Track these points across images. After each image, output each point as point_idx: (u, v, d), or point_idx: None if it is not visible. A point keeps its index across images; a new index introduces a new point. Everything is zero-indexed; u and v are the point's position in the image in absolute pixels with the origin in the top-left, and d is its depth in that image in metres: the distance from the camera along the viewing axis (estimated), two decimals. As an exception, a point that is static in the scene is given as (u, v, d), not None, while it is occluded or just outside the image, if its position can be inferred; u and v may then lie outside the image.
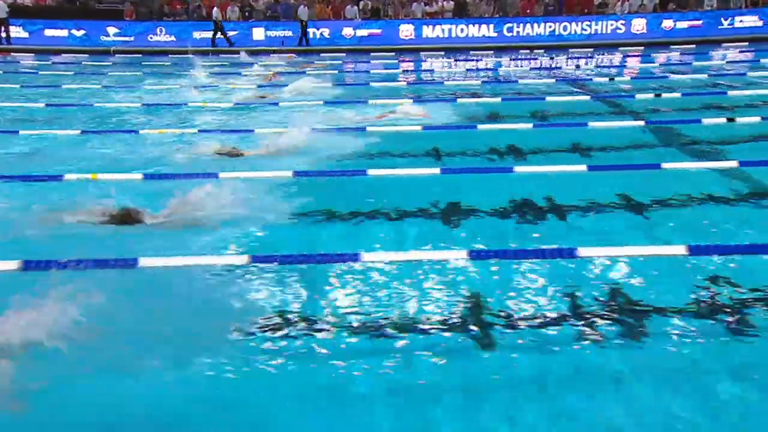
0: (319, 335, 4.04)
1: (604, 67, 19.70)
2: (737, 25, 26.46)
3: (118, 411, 3.30)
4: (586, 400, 3.39)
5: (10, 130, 10.09)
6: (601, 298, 4.41)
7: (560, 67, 19.59)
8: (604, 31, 26.58)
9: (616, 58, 22.10)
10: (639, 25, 26.68)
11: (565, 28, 26.75)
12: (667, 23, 26.68)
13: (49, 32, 27.35)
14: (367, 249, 5.17)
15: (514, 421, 3.25)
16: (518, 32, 26.82)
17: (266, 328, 4.07)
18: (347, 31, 27.22)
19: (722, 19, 26.65)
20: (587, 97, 12.90)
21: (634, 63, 21.20)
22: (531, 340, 3.96)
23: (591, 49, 24.36)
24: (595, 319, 4.15)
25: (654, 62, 20.12)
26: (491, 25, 27.14)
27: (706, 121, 9.68)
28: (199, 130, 9.92)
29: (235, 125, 10.47)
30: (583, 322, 4.10)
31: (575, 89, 14.10)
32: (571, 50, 24.20)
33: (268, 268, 4.84)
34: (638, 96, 12.51)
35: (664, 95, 12.61)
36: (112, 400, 3.37)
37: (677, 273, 4.78)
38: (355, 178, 7.23)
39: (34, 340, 3.57)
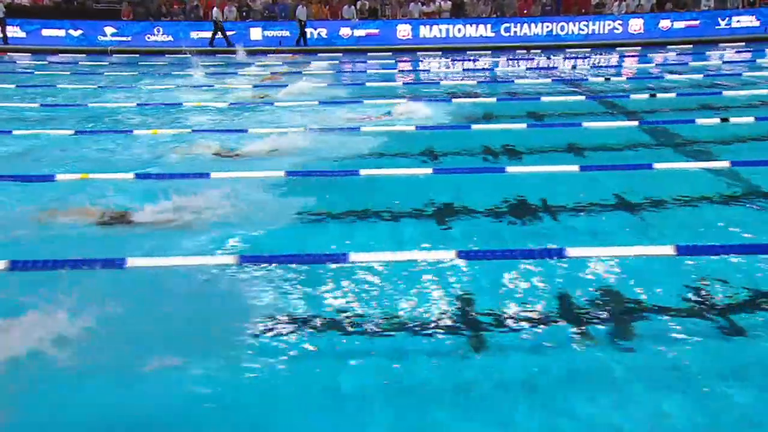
0: (313, 335, 4.04)
1: (601, 67, 19.69)
2: (734, 25, 26.46)
3: (104, 412, 3.29)
4: (577, 400, 3.38)
5: (3, 130, 10.07)
6: (590, 298, 4.41)
7: (557, 67, 19.58)
8: (601, 31, 26.57)
9: (613, 58, 22.10)
10: (636, 25, 26.68)
11: (562, 28, 26.74)
12: (665, 23, 26.68)
13: (46, 32, 27.28)
14: (358, 249, 5.15)
15: (504, 420, 3.24)
16: (515, 32, 26.80)
17: (259, 329, 4.06)
18: (345, 31, 27.19)
19: (719, 19, 26.64)
20: (582, 97, 12.89)
21: (630, 63, 21.19)
22: (522, 339, 3.95)
23: (588, 49, 24.35)
24: (587, 319, 4.15)
25: (651, 62, 20.11)
26: (488, 25, 27.11)
27: (700, 121, 9.67)
28: (193, 130, 9.90)
29: (230, 125, 10.46)
30: (574, 322, 4.10)
31: (571, 89, 14.08)
32: (568, 50, 24.19)
33: (259, 268, 4.82)
34: (633, 96, 12.50)
35: (660, 95, 12.61)
36: (101, 400, 3.37)
37: (667, 273, 4.77)
38: (347, 178, 7.21)
39: (19, 341, 3.57)
